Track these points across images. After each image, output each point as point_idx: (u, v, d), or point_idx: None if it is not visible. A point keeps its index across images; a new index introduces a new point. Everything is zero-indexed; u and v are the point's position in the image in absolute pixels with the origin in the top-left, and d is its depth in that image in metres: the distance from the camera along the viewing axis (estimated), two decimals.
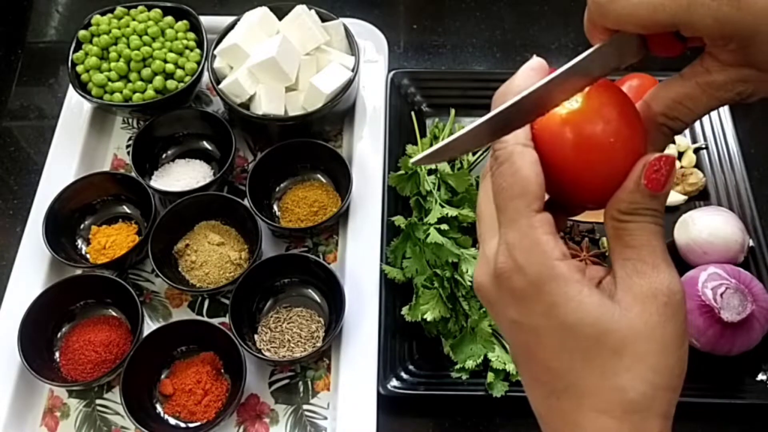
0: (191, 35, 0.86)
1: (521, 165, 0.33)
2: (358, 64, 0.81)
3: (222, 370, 0.71)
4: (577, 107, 0.34)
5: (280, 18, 0.83)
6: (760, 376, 0.70)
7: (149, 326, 0.74)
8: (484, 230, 0.36)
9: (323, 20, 0.83)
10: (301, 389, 0.72)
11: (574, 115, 0.33)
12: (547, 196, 0.34)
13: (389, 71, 0.89)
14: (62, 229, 0.78)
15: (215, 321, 0.73)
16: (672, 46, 0.33)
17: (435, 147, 0.33)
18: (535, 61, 0.35)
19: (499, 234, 0.34)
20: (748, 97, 0.33)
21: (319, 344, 0.71)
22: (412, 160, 0.35)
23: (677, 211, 0.80)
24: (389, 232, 0.77)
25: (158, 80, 0.82)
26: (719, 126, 0.85)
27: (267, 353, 0.71)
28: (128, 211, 0.81)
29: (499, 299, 0.34)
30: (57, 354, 0.72)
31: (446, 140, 0.33)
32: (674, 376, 0.33)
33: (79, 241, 0.79)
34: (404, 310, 0.72)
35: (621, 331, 0.32)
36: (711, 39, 0.31)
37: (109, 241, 0.77)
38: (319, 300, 0.75)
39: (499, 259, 0.33)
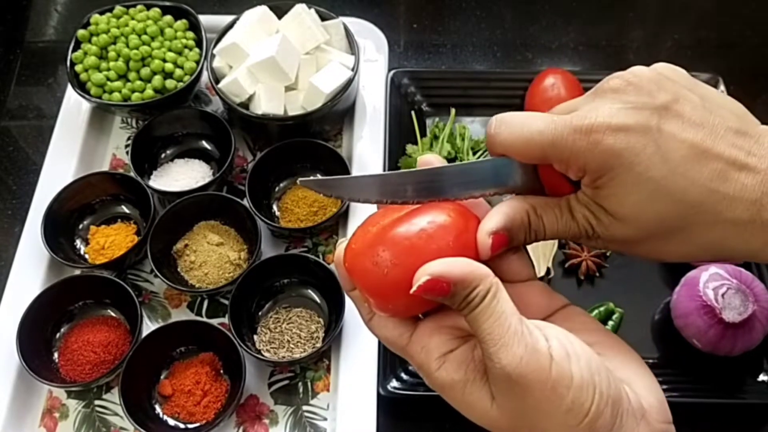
0: (190, 34, 0.86)
1: (377, 335, 0.38)
2: (357, 64, 0.81)
3: (221, 371, 0.71)
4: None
5: (279, 17, 0.83)
6: (762, 377, 0.70)
7: (148, 327, 0.74)
8: None
9: (323, 19, 0.83)
10: (301, 390, 0.71)
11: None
12: None
13: (389, 70, 0.88)
14: (61, 229, 0.78)
15: (214, 321, 0.73)
16: (561, 184, 0.38)
17: (325, 177, 0.37)
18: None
19: None
20: (592, 237, 0.37)
21: (318, 345, 0.70)
22: (300, 180, 0.37)
23: None
24: None
25: (157, 80, 0.81)
26: None
27: (266, 354, 0.71)
28: (127, 211, 0.81)
29: None
30: (56, 354, 0.72)
31: (336, 177, 0.36)
32: (571, 427, 0.33)
33: (78, 241, 0.79)
34: None
35: (501, 419, 0.34)
36: (572, 173, 0.37)
37: (108, 241, 0.77)
38: (318, 300, 0.75)
39: None
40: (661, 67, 0.37)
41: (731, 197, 0.33)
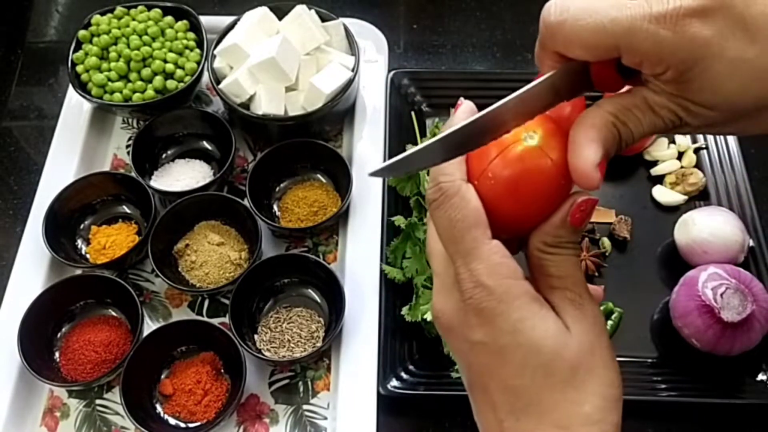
0: (191, 35, 0.86)
1: (470, 197, 0.35)
2: (358, 64, 0.81)
3: (222, 370, 0.71)
4: (531, 144, 0.35)
5: (280, 18, 0.83)
6: (761, 376, 0.70)
7: (149, 326, 0.74)
8: (437, 264, 0.38)
9: (323, 20, 0.83)
10: (301, 389, 0.72)
11: (526, 152, 0.35)
12: None
13: (389, 71, 0.89)
14: (62, 229, 0.78)
15: (215, 321, 0.73)
16: (614, 80, 0.35)
17: (393, 159, 0.34)
18: (466, 105, 0.38)
19: (458, 264, 0.35)
20: (682, 126, 0.34)
21: (319, 344, 0.71)
22: (369, 172, 0.35)
23: (677, 211, 0.80)
24: (389, 232, 0.77)
25: (158, 80, 0.81)
26: None
27: (267, 353, 0.71)
28: (128, 211, 0.81)
29: (462, 323, 0.36)
30: (57, 354, 0.72)
31: (404, 154, 0.34)
32: (617, 387, 0.35)
33: (79, 241, 0.79)
34: (404, 310, 0.72)
35: (573, 348, 0.34)
36: (650, 65, 0.32)
37: (109, 241, 0.77)
38: (319, 300, 0.75)
39: (466, 286, 0.35)
40: None
41: None
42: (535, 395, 0.35)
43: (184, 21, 0.86)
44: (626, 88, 0.35)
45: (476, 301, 0.35)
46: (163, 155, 0.85)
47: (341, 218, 0.80)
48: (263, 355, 0.70)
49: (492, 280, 0.34)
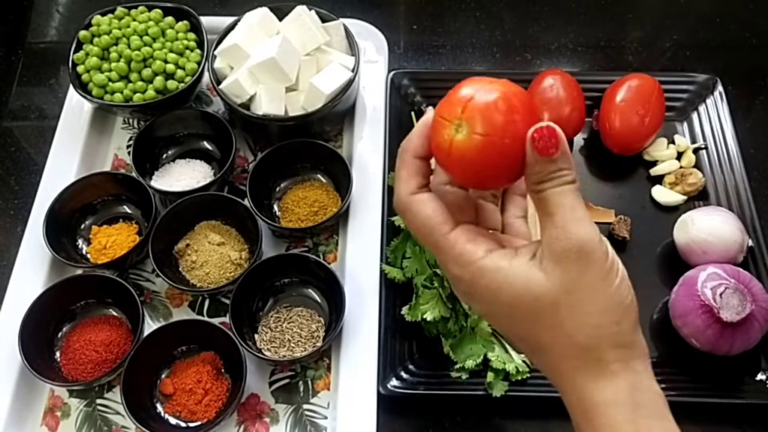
0: (192, 35, 0.86)
1: (417, 210, 0.41)
2: (358, 65, 0.82)
3: (222, 370, 0.71)
4: (461, 137, 0.39)
5: (280, 18, 0.83)
6: (760, 376, 0.70)
7: (150, 326, 0.74)
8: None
9: (323, 21, 0.84)
10: (301, 389, 0.72)
11: (463, 145, 0.39)
12: None
13: (389, 71, 0.89)
14: (63, 229, 0.78)
15: (215, 321, 0.73)
16: None
17: None
18: (429, 114, 0.44)
19: (436, 256, 0.42)
20: None
21: (319, 344, 0.71)
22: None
23: (677, 211, 0.80)
24: (389, 232, 0.77)
25: (159, 80, 0.82)
26: (719, 126, 0.85)
27: (267, 353, 0.71)
28: (129, 211, 0.82)
29: (467, 301, 0.44)
30: (58, 354, 0.72)
31: None
32: (613, 311, 0.38)
33: (80, 241, 0.79)
34: (404, 310, 0.72)
35: (550, 290, 0.38)
36: None
37: (110, 241, 0.77)
38: (319, 300, 0.75)
39: (446, 274, 0.42)
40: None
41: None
42: (534, 340, 0.40)
43: (185, 21, 0.87)
44: None
45: (457, 288, 0.42)
46: (164, 155, 0.85)
47: (341, 218, 0.80)
48: (263, 354, 0.70)
49: (458, 269, 0.40)
